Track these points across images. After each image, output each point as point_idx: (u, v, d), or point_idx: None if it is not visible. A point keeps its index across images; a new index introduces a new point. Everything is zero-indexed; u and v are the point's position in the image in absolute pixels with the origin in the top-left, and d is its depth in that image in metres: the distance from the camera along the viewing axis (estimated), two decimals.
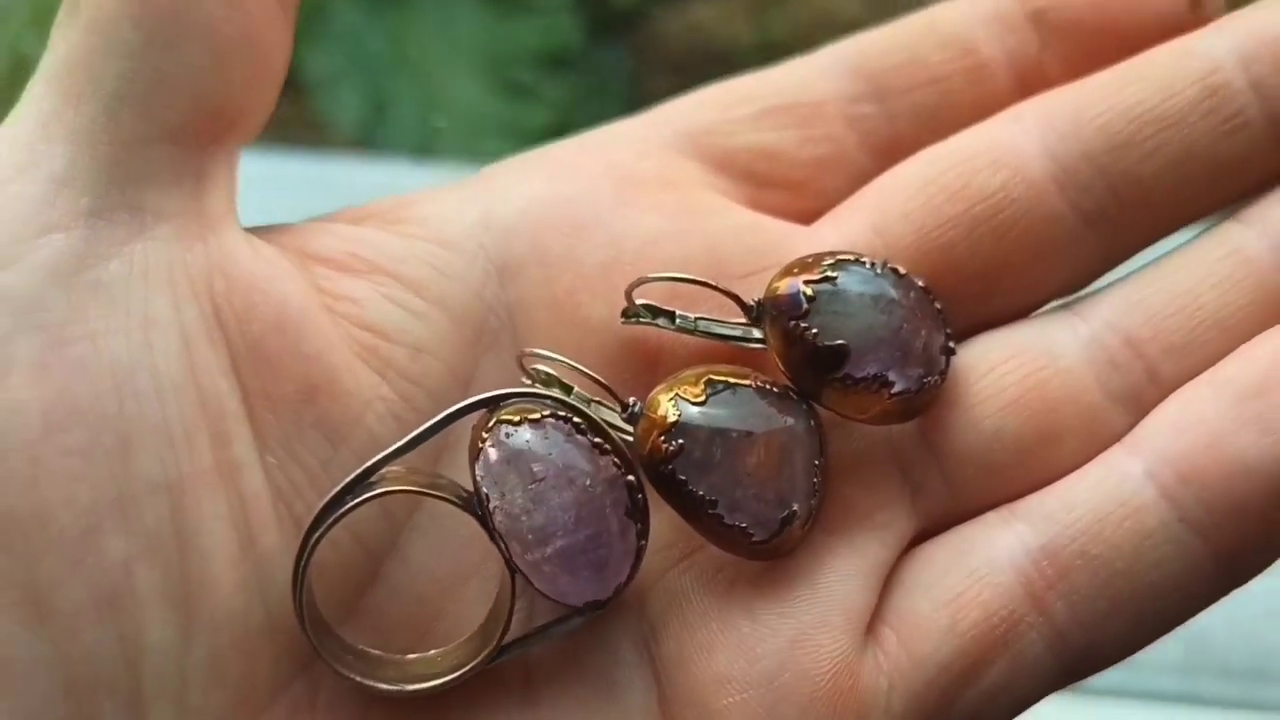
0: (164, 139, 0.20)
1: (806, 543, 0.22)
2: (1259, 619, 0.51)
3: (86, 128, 0.19)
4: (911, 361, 0.22)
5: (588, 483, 0.20)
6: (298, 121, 0.64)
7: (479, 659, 0.20)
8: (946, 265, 0.22)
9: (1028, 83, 0.24)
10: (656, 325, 0.22)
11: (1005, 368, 0.22)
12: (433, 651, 0.21)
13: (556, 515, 0.20)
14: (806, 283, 0.21)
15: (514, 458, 0.20)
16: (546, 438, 0.20)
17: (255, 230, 0.21)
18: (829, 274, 0.21)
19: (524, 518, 0.20)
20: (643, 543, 0.21)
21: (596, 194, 0.22)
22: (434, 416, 0.20)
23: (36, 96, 0.20)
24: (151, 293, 0.19)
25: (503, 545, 0.20)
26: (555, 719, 0.21)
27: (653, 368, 0.22)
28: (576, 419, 0.20)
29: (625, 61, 0.69)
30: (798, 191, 0.24)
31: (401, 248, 0.21)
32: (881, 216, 0.23)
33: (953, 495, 0.22)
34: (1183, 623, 0.22)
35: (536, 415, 0.20)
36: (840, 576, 0.21)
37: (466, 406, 0.20)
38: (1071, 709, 0.49)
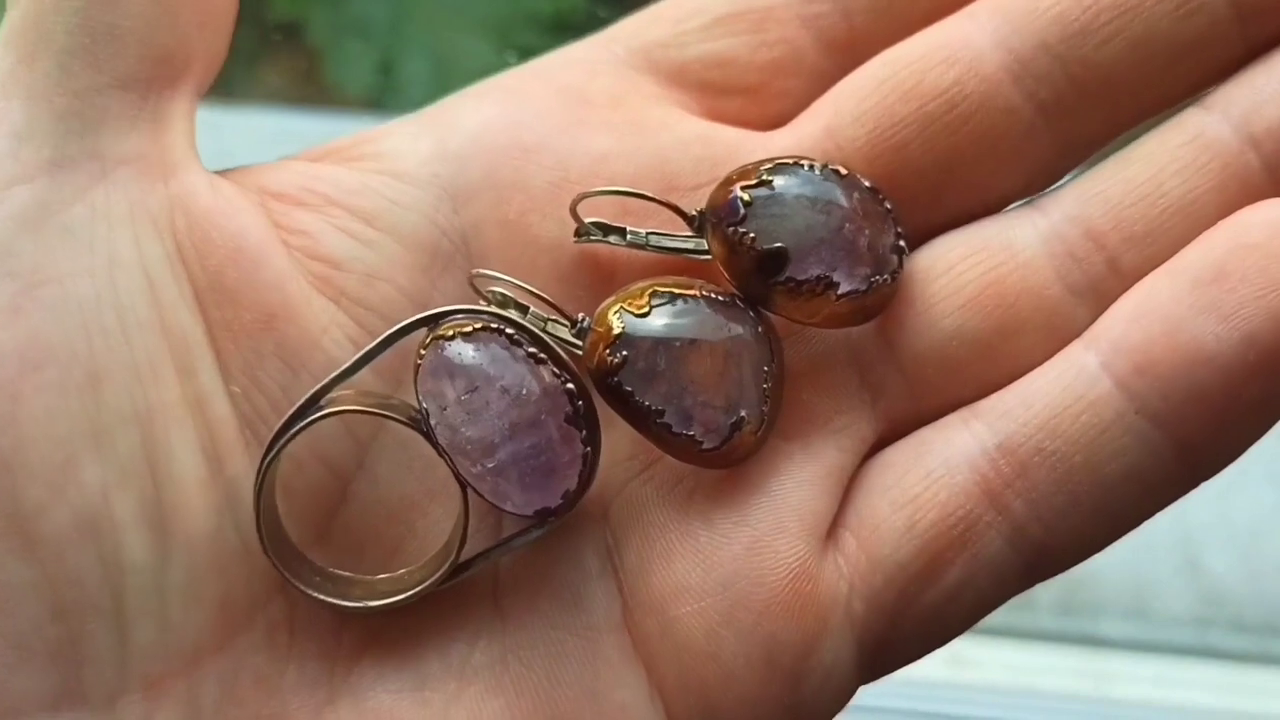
0: (117, 87, 0.20)
1: (764, 450, 0.22)
2: (1272, 571, 0.51)
3: (41, 83, 0.20)
4: (858, 261, 0.21)
5: (522, 391, 0.20)
6: (305, 84, 0.64)
7: (435, 577, 0.21)
8: (901, 164, 0.22)
9: None
10: (608, 242, 0.22)
11: (963, 265, 0.22)
12: (401, 570, 0.21)
13: (493, 425, 0.20)
14: (744, 188, 0.21)
15: (448, 371, 0.20)
16: (478, 350, 0.20)
17: (216, 171, 0.22)
18: (765, 178, 0.21)
19: (463, 429, 0.20)
20: (588, 449, 0.21)
21: (546, 117, 0.23)
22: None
23: None
24: (115, 234, 0.20)
25: (448, 460, 0.20)
26: (523, 631, 0.21)
27: (607, 283, 0.22)
28: (510, 330, 0.20)
29: None
30: (755, 97, 0.24)
31: (356, 181, 0.22)
32: (836, 119, 0.23)
33: (915, 397, 0.22)
34: (1147, 517, 0.21)
35: (469, 328, 0.20)
36: (796, 482, 0.22)
37: (407, 325, 0.21)
38: (1085, 661, 0.49)
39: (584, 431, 0.21)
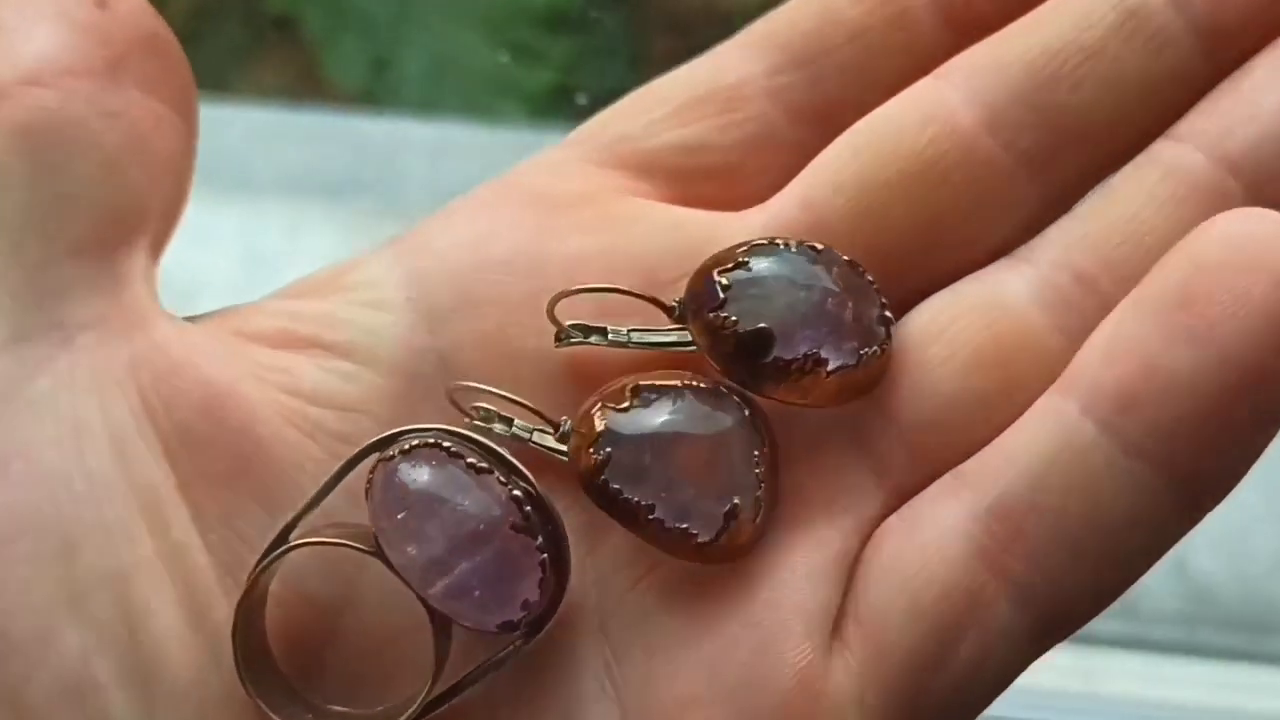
0: (71, 255, 0.20)
1: (765, 542, 0.21)
2: (1261, 571, 0.52)
3: None
4: (845, 335, 0.21)
5: (462, 505, 0.20)
6: (300, 79, 0.64)
7: (408, 714, 0.20)
8: (884, 229, 0.22)
9: (956, 22, 0.23)
10: (590, 344, 0.21)
11: (957, 326, 0.22)
12: (399, 702, 0.21)
13: (436, 543, 0.20)
14: (721, 273, 0.21)
15: (389, 493, 0.20)
16: (415, 468, 0.20)
17: (190, 318, 0.22)
18: (742, 260, 0.21)
19: (409, 550, 0.20)
20: (545, 555, 0.20)
21: (516, 226, 0.22)
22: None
23: None
24: (78, 401, 0.20)
25: (405, 583, 0.20)
26: None
27: (594, 387, 0.22)
28: (447, 443, 0.20)
29: (628, 22, 0.69)
30: (729, 179, 0.23)
31: (333, 315, 0.22)
32: (811, 192, 0.22)
33: (920, 468, 0.21)
34: (1156, 558, 0.21)
35: (407, 447, 0.20)
36: (800, 577, 0.21)
37: (358, 455, 0.20)
38: (1072, 659, 0.50)
39: (539, 539, 0.20)
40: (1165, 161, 0.22)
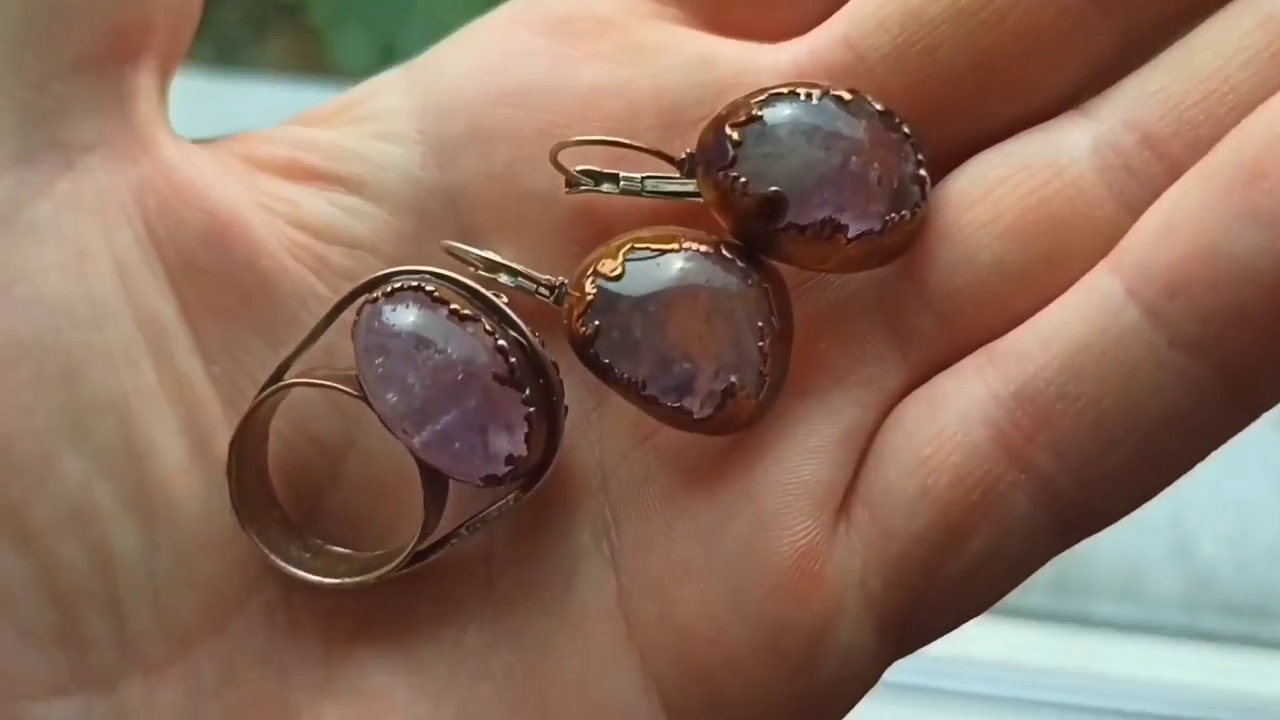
0: (71, 71, 0.20)
1: (776, 410, 0.20)
2: (1263, 557, 0.52)
3: None
4: (870, 198, 0.19)
5: (444, 353, 0.19)
6: (305, 63, 0.64)
7: (394, 563, 0.20)
8: (933, 72, 0.20)
9: None
10: (601, 191, 0.20)
11: (1003, 188, 0.20)
12: (395, 547, 0.21)
13: (415, 392, 0.19)
14: (732, 126, 0.19)
15: (372, 337, 0.19)
16: (396, 311, 0.19)
17: (203, 141, 0.21)
18: (756, 113, 0.19)
19: (389, 398, 0.19)
20: (532, 409, 0.19)
21: (530, 55, 0.21)
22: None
23: None
24: (82, 224, 0.20)
25: (392, 431, 0.20)
26: (514, 614, 0.21)
27: (605, 235, 0.21)
28: (431, 287, 0.19)
29: None
30: (765, 5, 0.21)
31: (344, 146, 0.21)
32: (855, 26, 0.20)
33: (950, 342, 0.20)
34: (1200, 459, 0.19)
35: (390, 289, 0.19)
36: (808, 450, 0.20)
37: (349, 296, 0.20)
38: (1073, 641, 0.50)
39: (525, 391, 0.19)
40: (1263, 7, 0.19)
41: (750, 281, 0.20)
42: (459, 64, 0.21)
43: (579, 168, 0.20)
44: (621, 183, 0.20)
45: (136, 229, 0.20)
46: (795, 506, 0.20)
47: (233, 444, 0.20)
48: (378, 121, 0.21)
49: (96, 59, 0.20)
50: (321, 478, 0.21)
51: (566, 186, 0.20)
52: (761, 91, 0.20)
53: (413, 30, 0.62)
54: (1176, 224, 0.18)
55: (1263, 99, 0.18)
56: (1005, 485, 0.19)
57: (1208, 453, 0.19)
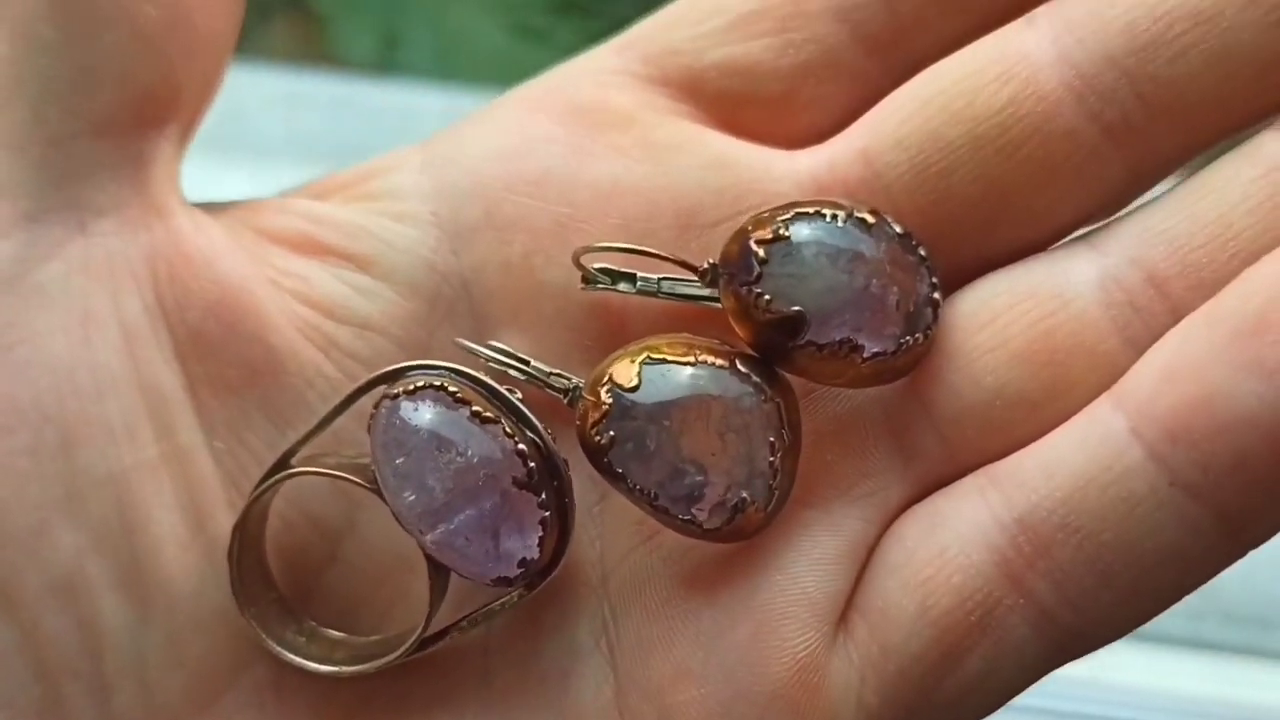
0: (94, 132, 0.20)
1: (781, 519, 0.20)
2: (1266, 567, 0.51)
3: (16, 131, 0.19)
4: (886, 320, 0.20)
5: (466, 454, 0.19)
6: (308, 51, 0.63)
7: (401, 649, 0.20)
8: (947, 193, 0.20)
9: None
10: (617, 290, 0.20)
11: (1010, 315, 0.20)
12: (393, 634, 0.21)
13: (433, 492, 0.19)
14: (758, 242, 0.20)
15: (391, 433, 0.19)
16: (418, 410, 0.19)
17: (214, 207, 0.21)
18: (782, 232, 0.20)
19: (405, 495, 0.19)
20: (547, 513, 0.19)
21: (550, 143, 0.21)
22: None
23: None
24: (91, 289, 0.20)
25: (402, 525, 0.20)
26: (508, 708, 0.20)
27: (618, 333, 0.21)
28: (453, 388, 0.19)
29: (637, 7, 0.69)
30: (781, 108, 0.21)
31: (355, 223, 0.21)
32: (875, 141, 0.21)
33: (951, 461, 0.20)
34: (1190, 590, 0.20)
35: (413, 387, 0.19)
36: (811, 561, 0.20)
37: (364, 385, 0.20)
38: None
39: (542, 495, 0.19)
40: (1268, 157, 0.20)
41: (764, 396, 0.20)
42: (477, 146, 0.21)
43: (596, 265, 0.20)
44: (638, 283, 0.21)
45: (145, 297, 0.20)
46: (797, 617, 0.20)
47: (236, 528, 0.20)
48: (392, 199, 0.21)
49: (120, 123, 0.20)
50: (320, 559, 0.21)
51: (583, 283, 0.21)
52: (787, 208, 0.20)
53: (416, 24, 0.62)
54: (1181, 368, 0.19)
55: (1266, 246, 0.19)
56: (1004, 609, 0.19)
57: (1198, 585, 0.20)
